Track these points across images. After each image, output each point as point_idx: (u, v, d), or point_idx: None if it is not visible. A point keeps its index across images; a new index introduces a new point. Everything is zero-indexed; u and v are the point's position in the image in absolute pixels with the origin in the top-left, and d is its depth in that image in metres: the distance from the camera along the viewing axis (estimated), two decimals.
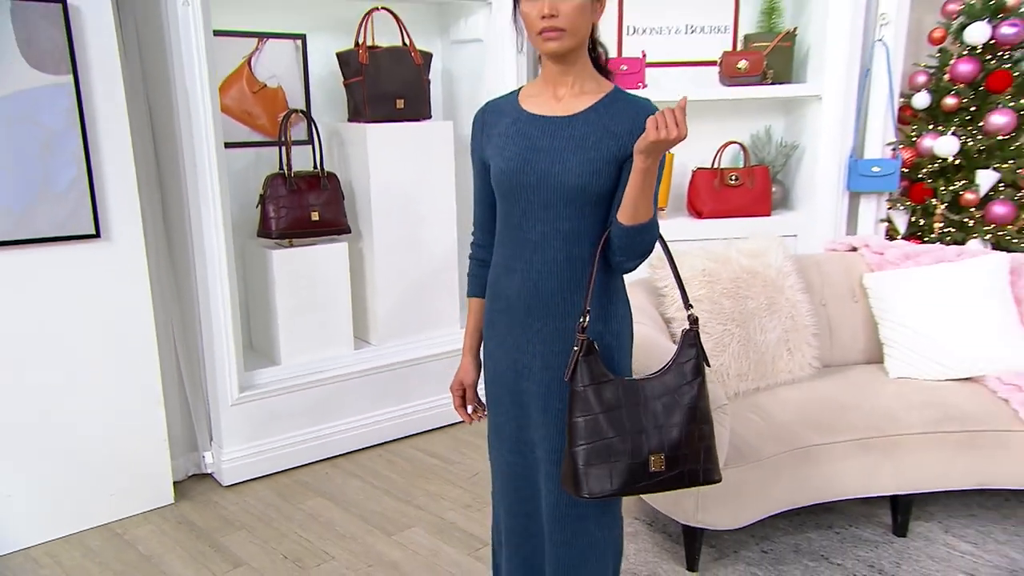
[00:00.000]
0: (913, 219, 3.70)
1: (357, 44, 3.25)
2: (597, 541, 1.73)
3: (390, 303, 3.44)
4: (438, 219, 3.50)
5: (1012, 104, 3.49)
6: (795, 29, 3.78)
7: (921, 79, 3.68)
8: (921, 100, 3.63)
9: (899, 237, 3.68)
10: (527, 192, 1.61)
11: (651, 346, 2.25)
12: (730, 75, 3.70)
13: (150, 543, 2.69)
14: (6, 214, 2.45)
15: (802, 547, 2.53)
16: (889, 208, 3.73)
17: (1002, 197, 3.53)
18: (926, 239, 3.64)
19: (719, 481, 1.59)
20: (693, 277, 2.60)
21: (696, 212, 3.80)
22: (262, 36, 3.32)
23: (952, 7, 3.62)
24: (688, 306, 1.68)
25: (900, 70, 3.64)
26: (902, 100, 3.72)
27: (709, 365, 1.64)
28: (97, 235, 2.62)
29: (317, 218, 3.20)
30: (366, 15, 3.26)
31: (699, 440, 1.57)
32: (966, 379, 2.67)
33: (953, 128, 3.57)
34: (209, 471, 3.13)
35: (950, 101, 3.55)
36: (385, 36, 3.33)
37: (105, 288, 2.68)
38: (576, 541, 1.70)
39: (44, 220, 2.51)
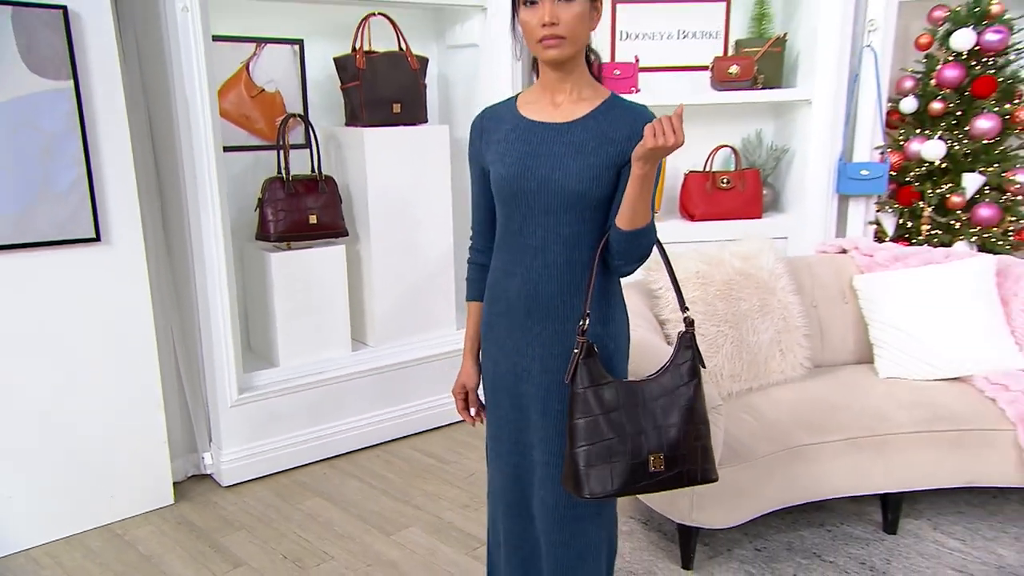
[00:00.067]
0: (901, 221, 3.72)
1: (354, 49, 3.24)
2: (593, 541, 1.74)
3: (387, 305, 3.44)
4: (434, 222, 3.50)
5: (996, 109, 3.51)
6: (785, 35, 3.80)
7: (908, 84, 3.70)
8: (908, 105, 3.65)
9: (887, 239, 3.70)
10: (527, 197, 1.61)
11: (646, 348, 2.26)
12: (721, 80, 3.71)
13: (150, 544, 2.68)
14: (7, 218, 2.44)
15: (795, 545, 2.55)
16: (877, 211, 3.75)
17: (987, 200, 3.56)
18: (914, 241, 3.66)
19: (716, 480, 1.60)
20: (687, 279, 2.61)
21: (688, 215, 3.81)
22: (260, 41, 3.32)
23: (938, 14, 3.65)
24: (684, 308, 1.69)
25: (888, 75, 3.66)
26: (890, 105, 3.74)
27: (704, 367, 1.65)
28: (97, 238, 2.61)
29: (315, 221, 3.20)
30: (363, 20, 3.26)
31: (696, 440, 1.58)
32: (954, 379, 2.69)
33: (940, 132, 3.59)
34: (208, 472, 3.12)
35: (936, 106, 3.58)
36: (382, 41, 3.33)
37: (105, 291, 2.67)
38: (574, 542, 1.71)
39: (45, 223, 2.50)
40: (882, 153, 3.69)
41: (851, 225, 3.77)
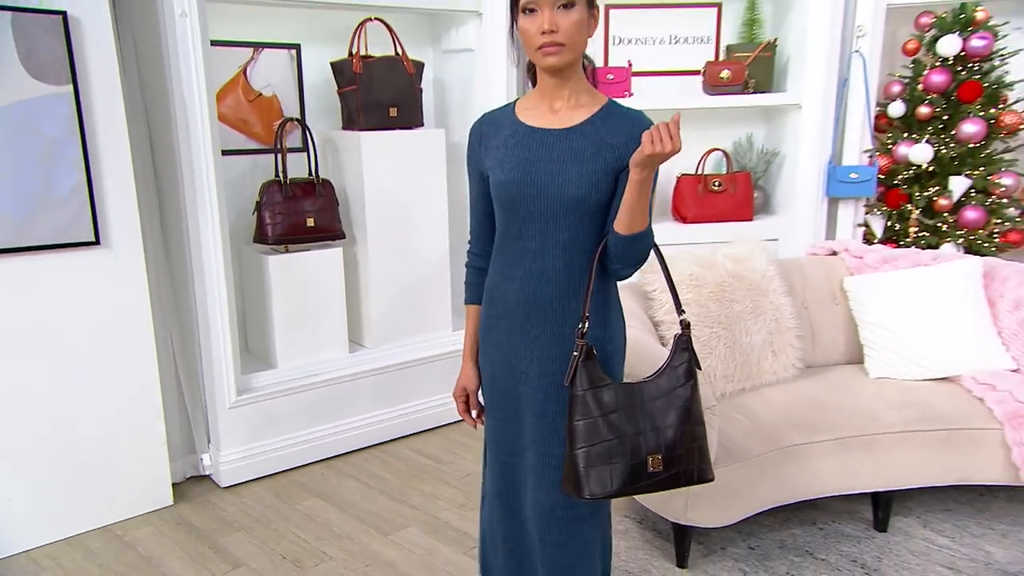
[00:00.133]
0: (889, 224, 3.74)
1: (351, 54, 3.24)
2: (588, 541, 1.74)
3: (384, 307, 3.43)
4: (430, 224, 3.50)
5: (982, 113, 3.53)
6: (775, 40, 3.82)
7: (896, 89, 3.72)
8: (896, 109, 3.67)
9: (876, 241, 3.72)
10: (527, 203, 1.61)
11: (641, 349, 2.26)
12: (713, 84, 3.72)
13: (150, 544, 2.67)
14: (7, 222, 2.42)
15: (787, 543, 2.56)
16: (866, 213, 3.77)
17: (974, 203, 3.58)
18: (901, 243, 3.68)
19: (712, 480, 1.60)
20: (681, 281, 2.62)
21: (681, 217, 3.83)
22: (257, 46, 3.31)
23: (925, 20, 3.66)
24: (680, 311, 1.70)
25: (876, 80, 3.68)
26: (878, 109, 3.76)
27: (700, 368, 1.66)
28: (97, 242, 2.60)
29: (312, 224, 3.19)
30: (359, 25, 3.26)
31: (693, 441, 1.59)
32: (943, 379, 2.71)
33: (927, 136, 3.61)
34: (207, 473, 3.11)
35: (924, 110, 3.60)
36: (378, 46, 3.33)
37: (105, 294, 2.66)
38: (571, 542, 1.71)
39: (45, 228, 2.49)
40: (871, 156, 3.71)
41: (840, 227, 3.79)
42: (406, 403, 3.47)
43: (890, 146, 3.70)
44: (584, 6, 1.55)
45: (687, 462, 1.57)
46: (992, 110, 3.54)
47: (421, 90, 3.43)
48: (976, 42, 3.48)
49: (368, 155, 3.27)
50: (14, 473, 2.58)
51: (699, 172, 3.82)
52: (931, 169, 3.62)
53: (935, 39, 3.58)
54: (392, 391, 3.42)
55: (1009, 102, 3.57)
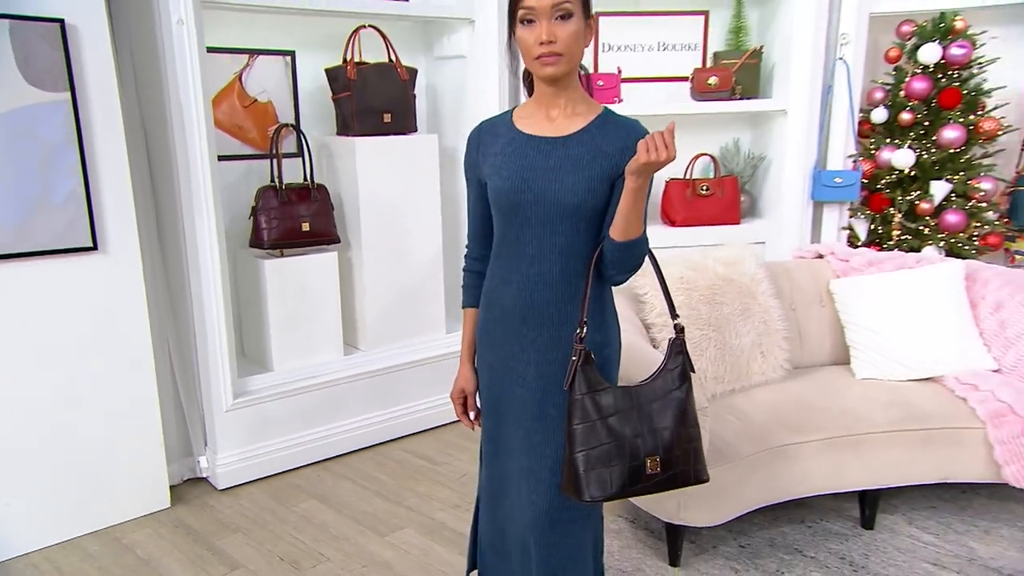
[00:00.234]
0: (873, 227, 3.77)
1: (345, 60, 3.23)
2: (582, 542, 1.75)
3: (378, 310, 3.42)
4: (424, 228, 3.49)
5: (962, 120, 3.56)
6: (761, 47, 3.84)
7: (879, 95, 3.75)
8: (879, 115, 3.69)
9: (860, 244, 3.75)
10: (524, 209, 1.62)
11: (634, 352, 2.27)
12: (701, 90, 3.74)
13: (148, 547, 2.65)
14: (6, 228, 2.40)
15: (777, 541, 2.57)
16: (850, 216, 3.79)
17: (954, 206, 3.60)
18: (885, 246, 3.70)
19: (707, 481, 1.61)
20: (672, 284, 2.63)
21: (670, 221, 3.84)
22: (253, 52, 3.29)
23: (906, 28, 3.69)
24: (675, 316, 1.70)
25: (859, 87, 3.70)
26: (861, 115, 3.78)
27: (694, 371, 1.66)
28: (94, 247, 2.58)
29: (307, 229, 3.18)
30: (354, 32, 3.25)
31: (688, 442, 1.59)
32: (927, 379, 2.73)
33: (909, 142, 3.63)
34: (204, 475, 3.09)
35: (906, 116, 3.62)
36: (372, 52, 3.32)
37: (102, 298, 2.64)
38: (565, 542, 1.71)
39: (43, 233, 2.46)
40: (854, 161, 3.74)
41: (825, 230, 3.81)
42: (400, 405, 3.46)
43: (873, 151, 3.73)
44: (581, 17, 1.56)
45: (683, 463, 1.57)
46: (971, 116, 3.57)
47: (414, 96, 3.42)
48: (955, 50, 3.51)
49: (362, 160, 3.26)
50: (12, 476, 2.55)
51: (687, 176, 3.83)
52: (913, 174, 3.65)
53: (916, 47, 3.61)
54: (387, 393, 3.41)
55: (987, 109, 3.60)
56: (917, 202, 3.62)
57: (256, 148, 3.35)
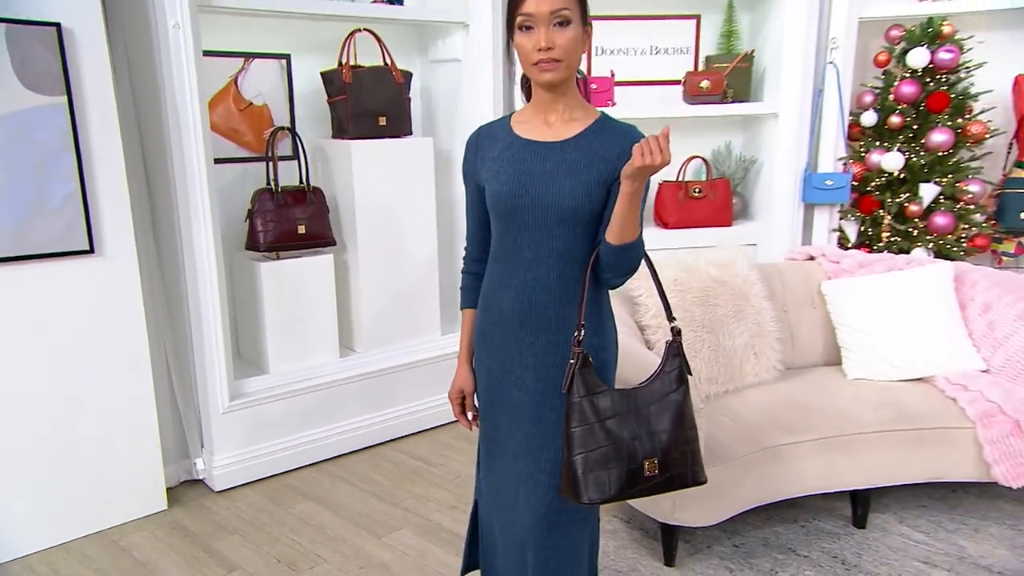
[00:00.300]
0: (862, 229, 3.79)
1: (340, 64, 3.22)
2: (580, 543, 1.75)
3: (374, 312, 3.41)
4: (419, 231, 3.48)
5: (950, 123, 3.59)
6: (752, 51, 3.85)
7: (868, 99, 3.76)
8: (869, 118, 3.71)
9: (850, 246, 3.77)
10: (522, 213, 1.62)
11: (629, 355, 2.27)
12: (693, 94, 3.75)
13: (145, 549, 2.63)
14: (3, 231, 2.38)
15: (770, 540, 2.58)
16: (841, 219, 3.81)
17: (943, 209, 3.63)
18: (875, 248, 3.72)
19: (705, 482, 1.61)
20: (666, 287, 2.58)
21: (663, 223, 3.85)
22: (248, 56, 3.28)
23: (894, 33, 3.71)
24: (671, 319, 1.71)
25: (849, 90, 3.72)
26: (851, 118, 3.80)
27: (691, 374, 1.66)
28: (91, 251, 2.56)
29: (303, 231, 3.17)
30: (349, 36, 3.24)
31: (685, 445, 1.59)
32: (917, 380, 2.74)
33: (898, 145, 3.66)
34: (200, 477, 3.07)
35: (895, 120, 3.64)
36: (367, 56, 3.31)
37: (99, 301, 2.63)
38: (564, 545, 1.71)
39: (40, 236, 2.45)
40: (844, 164, 3.76)
41: (816, 232, 3.83)
42: (396, 406, 3.46)
43: (863, 154, 3.75)
44: (579, 23, 1.56)
45: (680, 465, 1.58)
46: (959, 120, 3.60)
47: (409, 99, 3.41)
48: (943, 55, 3.53)
49: (358, 163, 3.25)
50: (9, 479, 2.54)
51: (680, 179, 3.84)
52: (902, 176, 3.67)
53: (905, 51, 3.63)
54: (382, 395, 3.41)
55: (974, 112, 3.63)
56: (906, 204, 3.64)
57: (252, 151, 3.34)
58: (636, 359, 2.24)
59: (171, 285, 2.97)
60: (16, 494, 2.56)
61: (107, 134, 2.56)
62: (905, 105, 3.63)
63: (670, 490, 1.59)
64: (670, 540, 2.42)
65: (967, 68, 3.61)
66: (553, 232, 1.61)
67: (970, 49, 3.60)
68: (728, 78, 3.76)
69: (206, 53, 2.92)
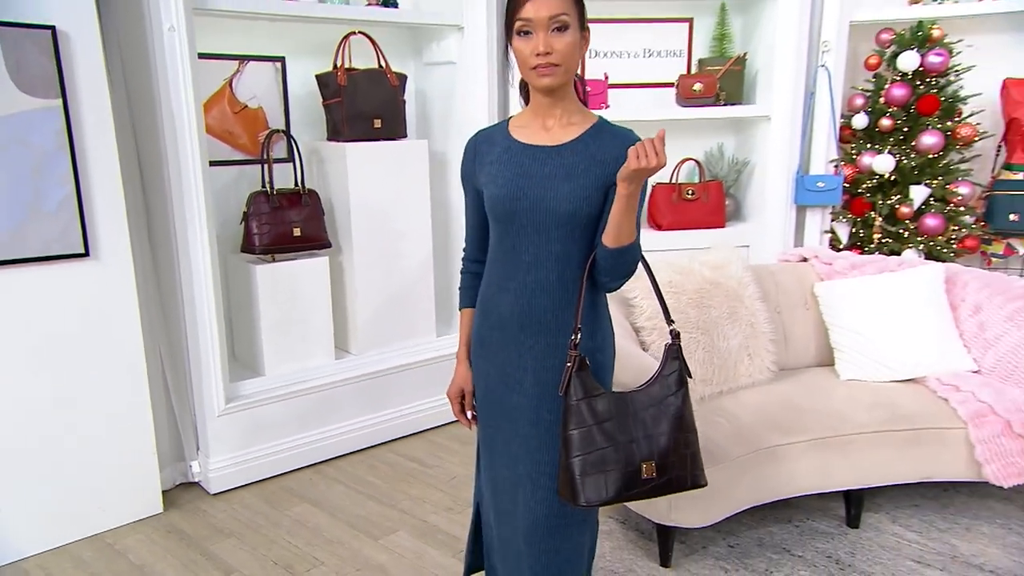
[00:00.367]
0: (854, 230, 3.80)
1: (335, 66, 3.21)
2: (580, 544, 1.75)
3: (369, 314, 3.40)
4: (414, 233, 3.48)
5: (940, 126, 3.60)
6: (745, 54, 3.86)
7: (859, 102, 3.78)
8: (860, 121, 3.73)
9: (841, 247, 3.78)
10: (520, 217, 1.61)
11: (625, 357, 2.27)
12: (686, 96, 3.75)
13: (141, 552, 2.62)
14: None
15: (765, 541, 2.58)
16: (832, 220, 3.82)
17: (933, 210, 3.65)
18: (866, 249, 3.74)
19: (705, 485, 1.61)
20: (661, 289, 2.63)
21: (656, 225, 3.85)
22: (243, 59, 3.26)
23: (885, 36, 3.73)
24: (670, 321, 1.71)
25: (840, 93, 3.74)
26: (843, 121, 3.82)
27: (691, 377, 1.66)
28: (86, 254, 2.55)
29: (299, 234, 3.16)
30: (344, 39, 3.23)
31: (685, 448, 1.59)
32: (909, 380, 2.75)
33: (889, 147, 3.67)
34: (196, 480, 3.05)
35: (886, 122, 3.66)
36: (361, 58, 3.30)
37: (94, 304, 2.61)
38: (564, 547, 1.71)
39: (35, 240, 2.43)
40: (836, 166, 3.77)
41: (808, 234, 3.85)
42: (391, 408, 3.45)
43: (854, 156, 3.76)
44: (577, 28, 1.56)
45: (679, 468, 1.58)
46: (949, 123, 3.62)
47: (404, 102, 3.40)
48: (933, 58, 3.55)
49: (353, 165, 3.24)
50: (4, 482, 2.51)
51: (673, 181, 3.84)
52: (893, 178, 3.69)
53: (895, 55, 3.65)
54: (378, 396, 3.40)
55: (964, 115, 3.65)
56: (897, 206, 3.66)
57: (247, 153, 3.32)
58: (632, 361, 2.24)
59: (166, 288, 2.95)
60: (11, 497, 2.54)
61: (102, 137, 2.55)
62: (896, 108, 3.65)
63: (669, 493, 1.59)
64: (666, 541, 2.43)
65: (956, 71, 3.63)
66: (551, 236, 1.61)
67: (959, 53, 3.62)
68: (721, 81, 3.77)
69: (201, 55, 2.91)
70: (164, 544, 2.66)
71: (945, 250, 3.64)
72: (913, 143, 3.63)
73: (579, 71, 1.67)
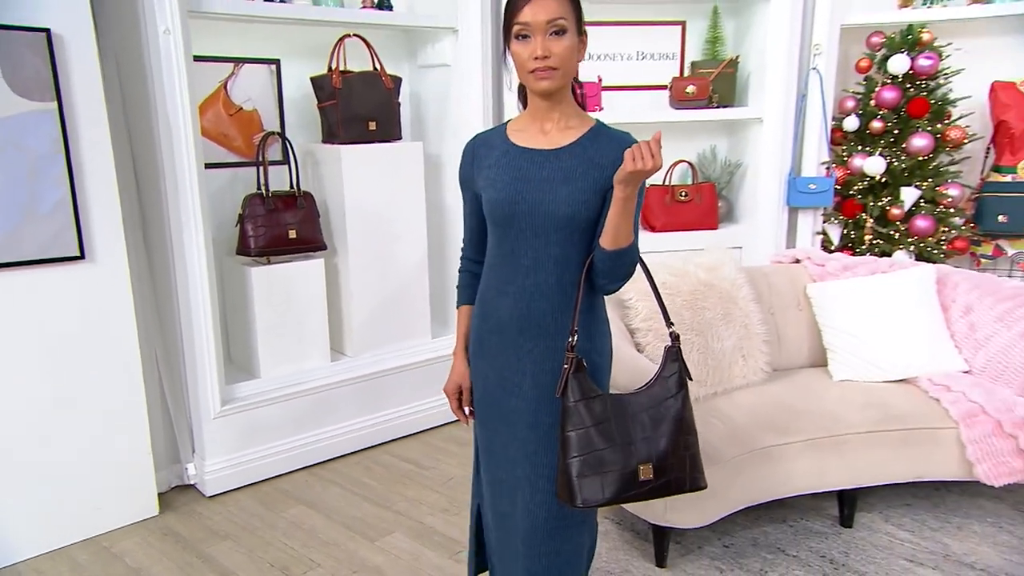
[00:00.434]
0: (845, 232, 3.81)
1: (330, 69, 3.20)
2: (580, 546, 1.75)
3: (364, 316, 3.39)
4: (409, 235, 3.46)
5: (930, 128, 3.62)
6: (737, 57, 3.87)
7: (850, 104, 3.79)
8: (851, 123, 3.74)
9: (833, 248, 3.79)
10: (519, 220, 1.61)
11: (622, 359, 2.27)
12: (679, 99, 3.76)
13: (137, 555, 2.60)
14: None
15: (760, 540, 2.59)
16: (824, 222, 3.84)
17: (923, 212, 3.66)
18: (857, 250, 3.75)
19: (704, 488, 1.61)
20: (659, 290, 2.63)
21: (649, 226, 3.85)
22: (238, 61, 3.25)
23: (875, 40, 3.75)
24: (669, 324, 1.71)
25: (832, 96, 3.75)
26: (834, 123, 3.83)
27: (691, 379, 1.66)
28: (82, 256, 2.53)
29: (294, 236, 3.14)
30: (338, 41, 3.22)
31: (684, 450, 1.59)
32: (901, 380, 2.76)
33: (880, 149, 3.69)
34: (192, 482, 3.04)
35: (876, 125, 3.67)
36: (356, 61, 3.29)
37: (90, 307, 2.59)
38: (563, 549, 1.71)
39: (30, 243, 2.41)
40: (828, 168, 3.78)
41: (800, 235, 3.86)
42: (387, 410, 3.44)
43: (846, 158, 3.77)
44: (574, 32, 1.56)
45: (679, 470, 1.57)
46: (938, 125, 3.63)
47: (399, 104, 3.39)
48: (923, 61, 3.57)
49: (348, 168, 3.23)
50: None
51: (666, 183, 3.85)
52: (884, 180, 3.70)
53: (885, 58, 3.67)
54: (373, 398, 3.38)
55: (953, 118, 3.67)
56: (888, 207, 3.67)
57: (242, 156, 3.31)
58: (628, 363, 2.24)
59: (162, 290, 2.93)
60: (6, 500, 2.52)
61: (97, 140, 2.53)
62: (886, 110, 3.67)
63: (667, 495, 1.58)
64: (661, 541, 2.43)
65: (945, 75, 3.65)
66: (550, 239, 1.61)
67: (948, 56, 3.64)
68: (713, 83, 3.78)
69: (196, 58, 2.89)
70: (160, 547, 2.65)
71: (935, 251, 3.66)
72: (903, 145, 3.65)
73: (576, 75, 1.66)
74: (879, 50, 3.73)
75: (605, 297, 1.77)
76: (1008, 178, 3.63)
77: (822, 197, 3.72)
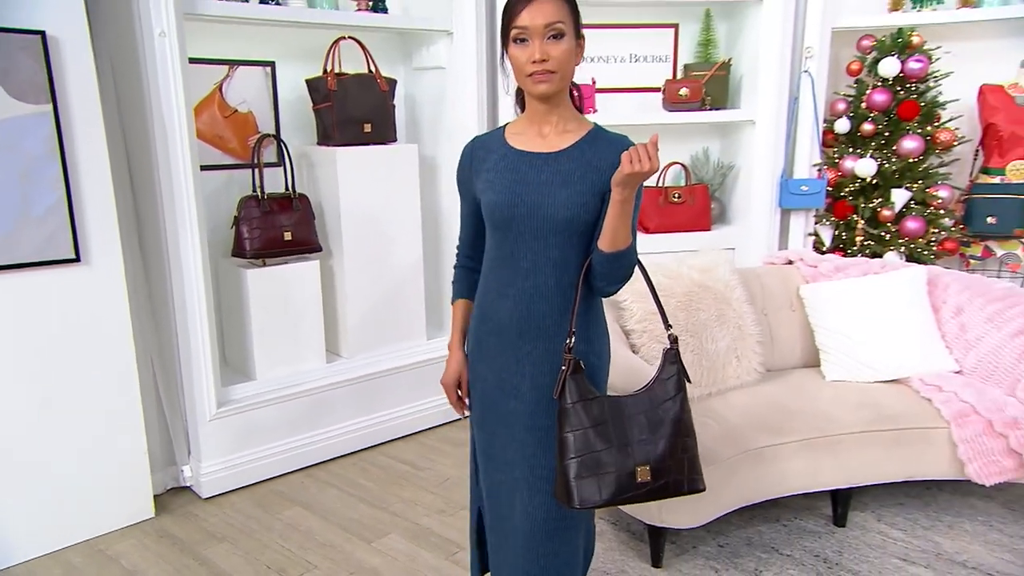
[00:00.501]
0: (837, 233, 3.83)
1: (325, 71, 3.19)
2: (577, 547, 1.75)
3: (360, 317, 3.38)
4: (404, 237, 3.46)
5: (920, 131, 3.64)
6: (729, 60, 3.88)
7: (842, 107, 3.80)
8: (842, 126, 3.75)
9: (825, 250, 3.80)
10: (518, 223, 1.61)
11: (618, 361, 2.26)
12: (672, 101, 3.76)
13: (133, 558, 2.58)
14: None
15: (754, 540, 2.59)
16: (816, 223, 3.85)
17: (914, 213, 3.68)
18: (849, 251, 3.77)
19: (703, 490, 1.61)
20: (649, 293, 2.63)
21: (643, 227, 3.85)
22: (233, 63, 3.23)
23: (866, 43, 3.76)
24: (668, 326, 1.71)
25: (823, 98, 3.76)
26: (825, 125, 3.84)
27: (690, 381, 1.66)
28: (77, 259, 2.51)
29: (289, 238, 3.13)
30: (333, 43, 3.21)
31: (683, 452, 1.59)
32: (893, 381, 2.77)
33: (870, 151, 3.70)
34: (188, 484, 3.02)
35: (867, 127, 3.69)
36: (351, 63, 3.28)
37: (85, 309, 2.57)
38: (562, 550, 1.71)
39: (26, 245, 2.39)
40: (819, 170, 3.80)
41: (792, 237, 3.86)
42: (382, 411, 3.43)
43: (837, 160, 3.79)
44: (572, 36, 1.56)
45: (676, 472, 1.57)
46: (928, 128, 3.65)
47: (394, 106, 3.39)
48: (913, 64, 3.58)
49: (343, 170, 3.22)
50: None
51: (660, 184, 3.85)
52: (875, 182, 3.72)
53: (876, 61, 3.68)
54: (369, 399, 3.37)
55: (943, 120, 3.69)
56: (879, 209, 3.69)
57: (237, 158, 3.29)
58: (623, 365, 2.24)
59: (157, 293, 2.91)
60: (1, 503, 2.49)
61: (92, 142, 2.51)
62: (877, 113, 3.68)
63: (665, 497, 1.58)
64: (657, 541, 2.43)
65: (935, 77, 3.67)
66: (549, 242, 1.60)
67: (938, 59, 3.66)
68: (706, 86, 3.78)
69: (191, 60, 2.88)
70: (156, 549, 2.63)
71: (925, 252, 3.68)
72: (894, 147, 3.66)
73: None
74: (870, 53, 3.74)
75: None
76: (996, 180, 3.65)
77: (814, 199, 3.73)
